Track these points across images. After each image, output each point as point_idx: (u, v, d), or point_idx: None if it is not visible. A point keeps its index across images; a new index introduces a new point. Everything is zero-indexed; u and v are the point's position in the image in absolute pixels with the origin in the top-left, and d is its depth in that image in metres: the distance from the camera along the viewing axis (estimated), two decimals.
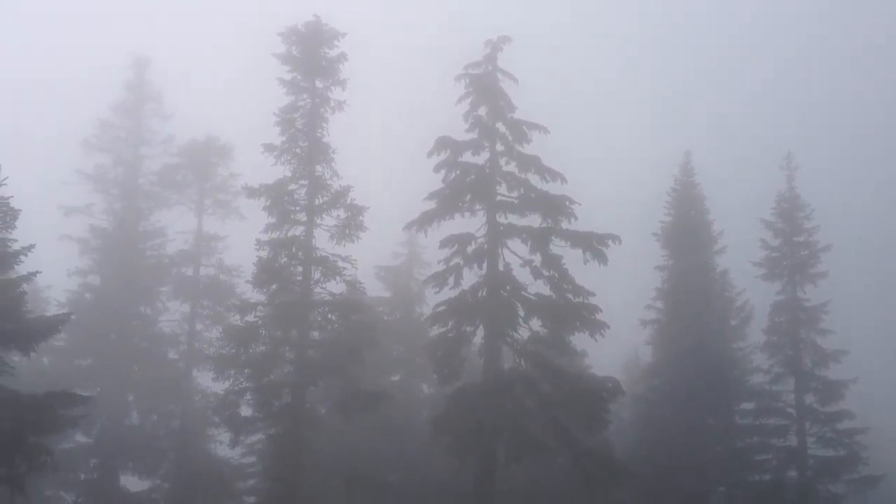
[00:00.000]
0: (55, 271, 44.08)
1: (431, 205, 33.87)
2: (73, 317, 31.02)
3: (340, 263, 33.11)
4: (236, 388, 32.62)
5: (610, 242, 32.83)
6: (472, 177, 34.02)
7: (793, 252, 43.83)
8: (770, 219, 44.56)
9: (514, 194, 33.94)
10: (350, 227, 33.11)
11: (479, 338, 34.05)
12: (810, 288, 43.70)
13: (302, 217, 33.45)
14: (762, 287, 44.90)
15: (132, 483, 43.75)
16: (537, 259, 33.32)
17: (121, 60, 48.70)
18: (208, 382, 41.49)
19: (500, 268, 33.70)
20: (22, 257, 26.86)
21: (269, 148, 33.41)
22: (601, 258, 32.75)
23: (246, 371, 32.56)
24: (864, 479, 41.40)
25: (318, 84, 34.16)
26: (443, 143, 33.99)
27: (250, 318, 33.06)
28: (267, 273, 32.60)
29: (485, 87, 34.28)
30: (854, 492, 41.33)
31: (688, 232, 45.11)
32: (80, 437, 42.59)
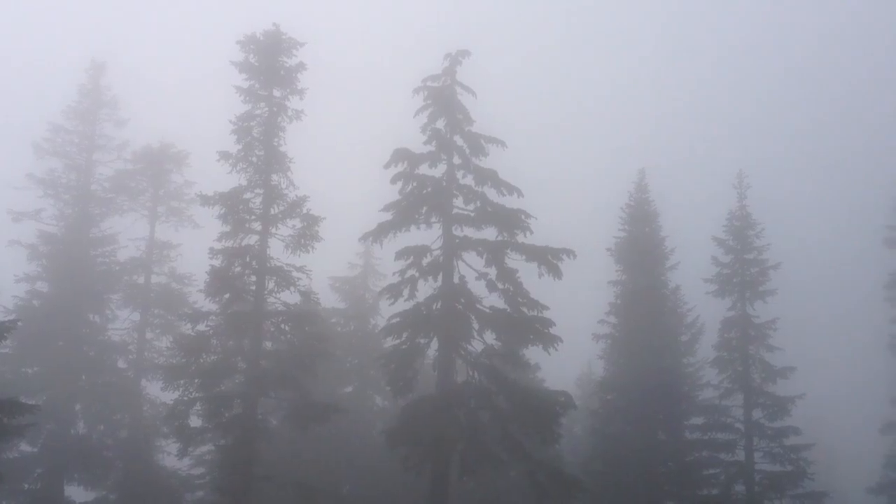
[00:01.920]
0: (2, 277, 43.33)
1: (388, 216, 33.92)
2: (19, 323, 30.45)
3: (295, 274, 32.96)
4: (186, 398, 32.26)
5: (565, 257, 33.11)
6: (429, 189, 34.12)
7: (743, 269, 44.45)
8: (721, 236, 45.18)
9: (471, 207, 34.11)
10: (305, 238, 33.00)
11: (433, 350, 34.12)
12: (760, 305, 44.34)
13: (257, 226, 33.25)
14: (713, 303, 45.48)
15: (77, 494, 42.92)
16: (492, 272, 33.51)
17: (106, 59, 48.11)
18: (158, 392, 41.08)
19: (455, 280, 33.80)
20: None
21: (224, 156, 33.21)
22: (556, 272, 33.01)
23: (196, 381, 32.23)
24: (808, 495, 41.92)
25: (276, 93, 34.06)
26: (400, 155, 34.06)
27: (202, 327, 32.82)
28: (220, 282, 32.32)
29: (443, 99, 34.44)
30: None
31: (641, 248, 45.57)
32: (25, 447, 41.72)
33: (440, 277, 33.66)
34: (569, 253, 33.15)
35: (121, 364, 45.32)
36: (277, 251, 33.33)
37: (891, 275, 53.10)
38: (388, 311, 35.08)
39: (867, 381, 62.13)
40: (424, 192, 34.08)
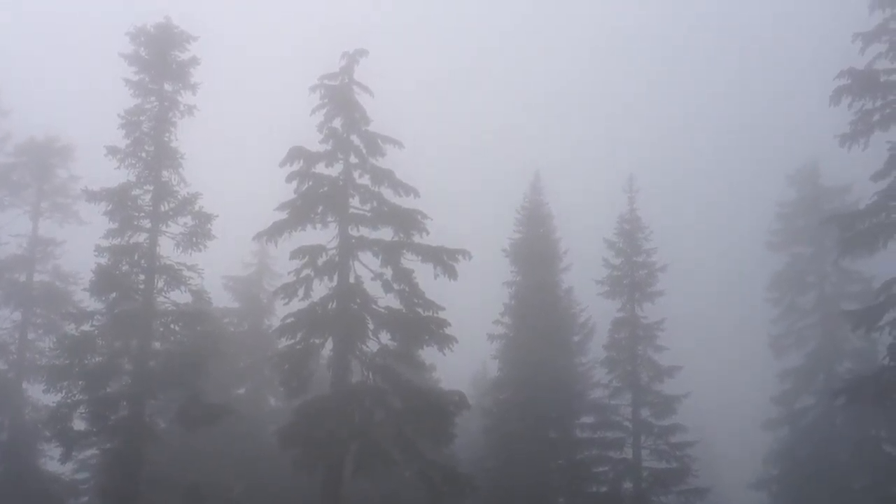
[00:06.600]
0: None
1: (283, 215, 33.53)
2: None
3: (186, 272, 32.37)
4: (69, 400, 31.23)
5: (460, 257, 33.34)
6: (325, 188, 33.89)
7: (632, 271, 45.56)
8: (612, 238, 46.23)
9: (367, 207, 34.02)
10: (197, 236, 32.44)
11: (327, 350, 33.87)
12: (648, 306, 45.51)
13: (146, 224, 32.53)
14: (604, 304, 46.46)
15: None
16: (388, 272, 33.47)
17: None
18: (40, 394, 39.67)
19: (351, 280, 33.66)
20: None
21: (112, 150, 32.35)
22: (451, 273, 33.20)
23: (80, 383, 31.23)
24: (693, 491, 43.18)
25: (167, 87, 33.34)
26: (296, 154, 33.74)
27: (87, 327, 31.86)
28: (106, 280, 31.46)
29: (340, 98, 34.25)
30: (684, 503, 43.17)
31: (535, 249, 46.29)
32: None
33: (336, 277, 33.46)
34: (464, 254, 33.39)
35: (1, 365, 43.66)
36: (168, 249, 32.71)
37: (771, 277, 55.38)
38: (282, 310, 34.75)
39: (750, 380, 64.53)
40: (320, 191, 33.83)
